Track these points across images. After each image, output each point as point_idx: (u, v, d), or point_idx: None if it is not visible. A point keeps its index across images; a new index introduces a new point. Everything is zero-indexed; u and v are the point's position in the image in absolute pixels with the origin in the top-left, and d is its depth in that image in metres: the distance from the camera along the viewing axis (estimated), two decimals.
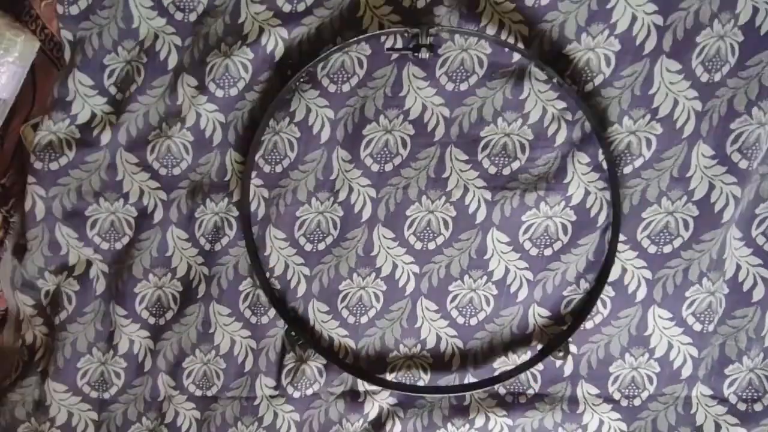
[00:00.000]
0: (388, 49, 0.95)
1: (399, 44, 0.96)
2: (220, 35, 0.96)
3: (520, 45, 0.94)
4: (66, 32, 0.97)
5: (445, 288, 1.00)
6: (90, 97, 0.98)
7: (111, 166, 0.99)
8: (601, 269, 0.98)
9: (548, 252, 0.98)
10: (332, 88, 0.97)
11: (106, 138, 0.98)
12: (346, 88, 0.97)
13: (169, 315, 1.01)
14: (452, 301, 1.00)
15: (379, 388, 1.00)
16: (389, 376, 1.01)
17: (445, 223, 0.98)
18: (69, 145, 0.98)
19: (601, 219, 0.97)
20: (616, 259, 0.97)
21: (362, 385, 1.01)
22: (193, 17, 0.96)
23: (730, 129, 0.94)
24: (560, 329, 1.00)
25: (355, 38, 0.94)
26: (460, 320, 1.00)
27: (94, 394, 1.02)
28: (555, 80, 0.94)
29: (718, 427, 1.00)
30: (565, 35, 0.94)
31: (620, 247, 0.97)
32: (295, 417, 1.02)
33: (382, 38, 0.96)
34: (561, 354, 0.99)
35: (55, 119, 0.98)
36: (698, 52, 0.93)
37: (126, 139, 0.98)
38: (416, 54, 0.93)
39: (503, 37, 0.94)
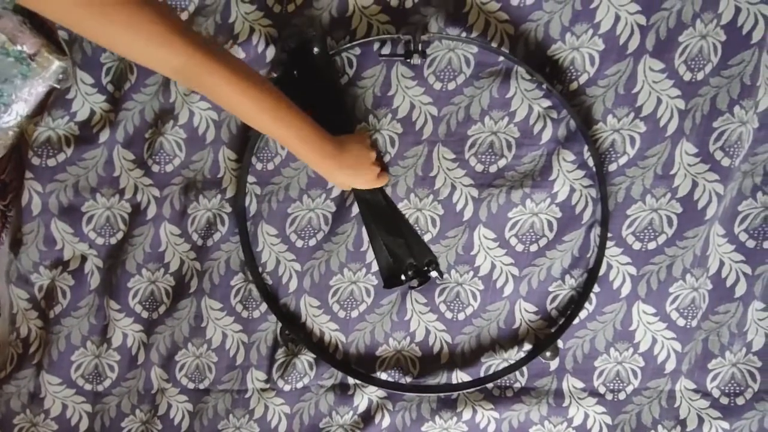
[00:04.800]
0: (381, 56, 0.97)
1: (390, 48, 0.98)
2: (211, 34, 0.98)
3: (506, 45, 0.96)
4: (62, 32, 0.99)
5: (433, 281, 1.01)
6: (90, 95, 1.00)
7: (108, 162, 1.01)
8: (591, 268, 1.00)
9: (534, 248, 1.00)
10: None
11: (104, 136, 1.00)
12: None
13: (161, 309, 1.03)
14: (440, 294, 1.02)
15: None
16: (379, 370, 1.03)
17: (433, 221, 1.00)
18: (68, 142, 1.00)
19: (587, 216, 0.99)
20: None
21: (352, 378, 1.03)
22: (184, 16, 0.98)
23: (712, 127, 0.96)
24: (549, 331, 1.01)
25: (349, 44, 0.96)
26: (448, 315, 1.02)
27: (88, 387, 1.04)
28: (544, 86, 0.96)
29: (701, 420, 1.02)
30: (550, 35, 0.95)
31: (606, 243, 0.99)
32: (286, 410, 1.03)
33: (376, 45, 0.97)
34: (549, 355, 1.00)
35: (54, 116, 1.00)
36: (681, 52, 0.94)
37: (123, 137, 1.00)
38: (408, 60, 0.95)
39: (489, 37, 0.96)
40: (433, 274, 1.00)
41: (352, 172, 0.92)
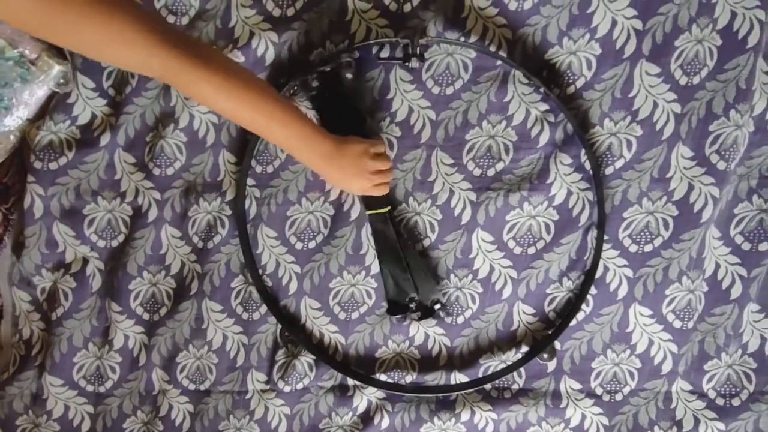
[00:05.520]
0: (380, 59, 0.98)
1: (388, 52, 0.98)
2: (212, 38, 0.98)
3: (504, 49, 0.97)
4: None
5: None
6: (91, 99, 1.01)
7: (109, 165, 1.02)
8: (588, 271, 1.00)
9: (532, 251, 1.01)
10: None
11: (105, 139, 1.01)
12: None
13: (162, 311, 1.04)
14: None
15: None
16: (378, 372, 1.04)
17: (432, 226, 1.01)
18: (69, 145, 1.01)
19: (584, 218, 0.99)
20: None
21: (351, 379, 1.04)
22: (185, 21, 0.99)
23: (708, 131, 0.96)
24: (546, 333, 1.02)
25: (347, 49, 0.96)
26: (447, 319, 1.03)
27: (90, 388, 1.05)
28: (541, 90, 0.96)
29: (697, 421, 1.03)
30: (548, 39, 0.96)
31: (602, 246, 0.99)
32: (286, 411, 1.04)
33: (375, 48, 0.98)
34: (547, 356, 1.01)
35: (56, 120, 1.01)
36: (677, 56, 0.95)
37: (124, 140, 1.01)
38: (407, 63, 0.96)
39: (487, 41, 0.96)
40: (437, 307, 1.02)
41: (346, 176, 0.92)
